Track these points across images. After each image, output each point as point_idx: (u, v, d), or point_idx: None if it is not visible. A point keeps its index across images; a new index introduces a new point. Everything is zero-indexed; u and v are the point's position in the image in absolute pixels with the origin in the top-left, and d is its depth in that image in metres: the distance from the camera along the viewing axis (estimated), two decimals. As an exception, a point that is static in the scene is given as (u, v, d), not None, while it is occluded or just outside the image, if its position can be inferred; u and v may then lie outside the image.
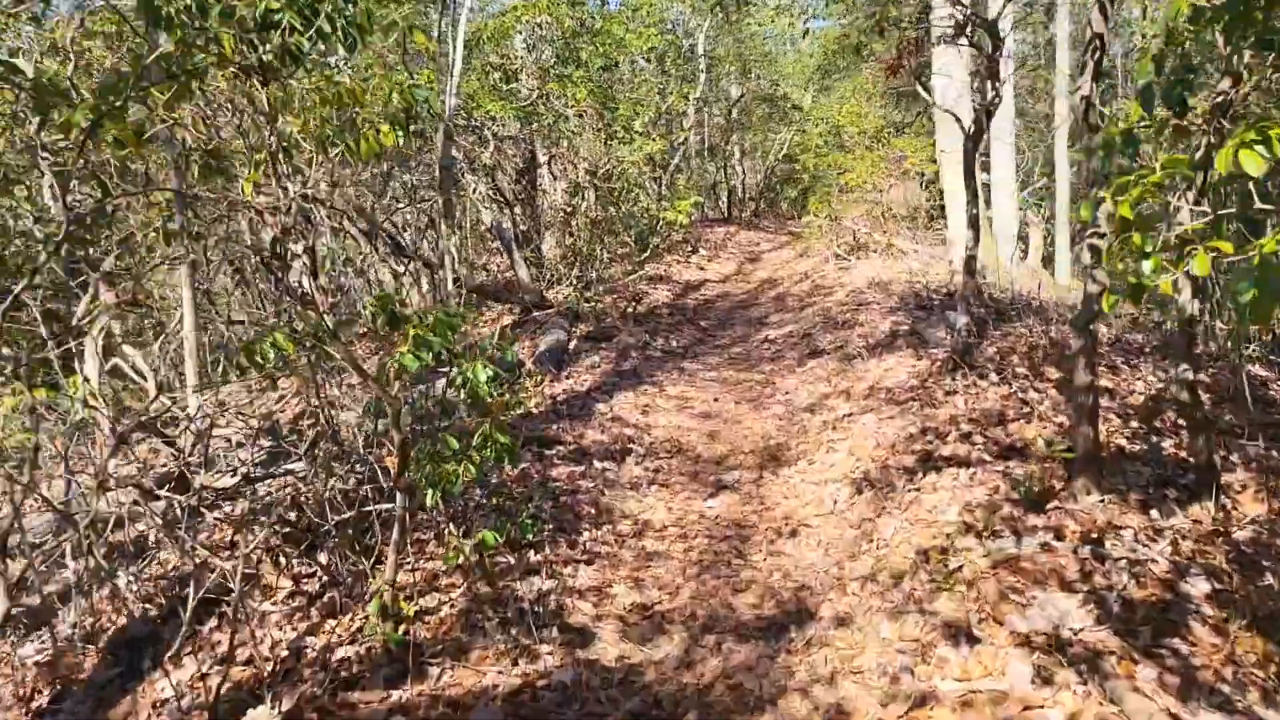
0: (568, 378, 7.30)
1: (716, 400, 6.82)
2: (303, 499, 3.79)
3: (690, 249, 14.98)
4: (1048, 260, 14.23)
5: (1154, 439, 4.46)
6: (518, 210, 13.55)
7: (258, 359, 3.19)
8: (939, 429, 5.03)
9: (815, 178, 28.29)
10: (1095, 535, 3.49)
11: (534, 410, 6.37)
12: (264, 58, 3.01)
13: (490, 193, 10.04)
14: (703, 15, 14.90)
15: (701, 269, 14.06)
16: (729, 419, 6.34)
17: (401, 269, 8.09)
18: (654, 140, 12.26)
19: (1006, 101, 11.88)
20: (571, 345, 8.37)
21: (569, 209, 12.16)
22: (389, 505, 3.73)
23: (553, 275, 11.83)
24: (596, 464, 5.30)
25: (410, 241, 11.24)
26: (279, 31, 3.02)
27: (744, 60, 19.33)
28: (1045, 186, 14.67)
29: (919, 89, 10.33)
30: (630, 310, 9.83)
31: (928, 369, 6.08)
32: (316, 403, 3.83)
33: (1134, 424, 4.71)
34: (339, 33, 3.02)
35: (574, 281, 11.40)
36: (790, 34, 22.26)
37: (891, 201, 12.95)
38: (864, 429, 5.46)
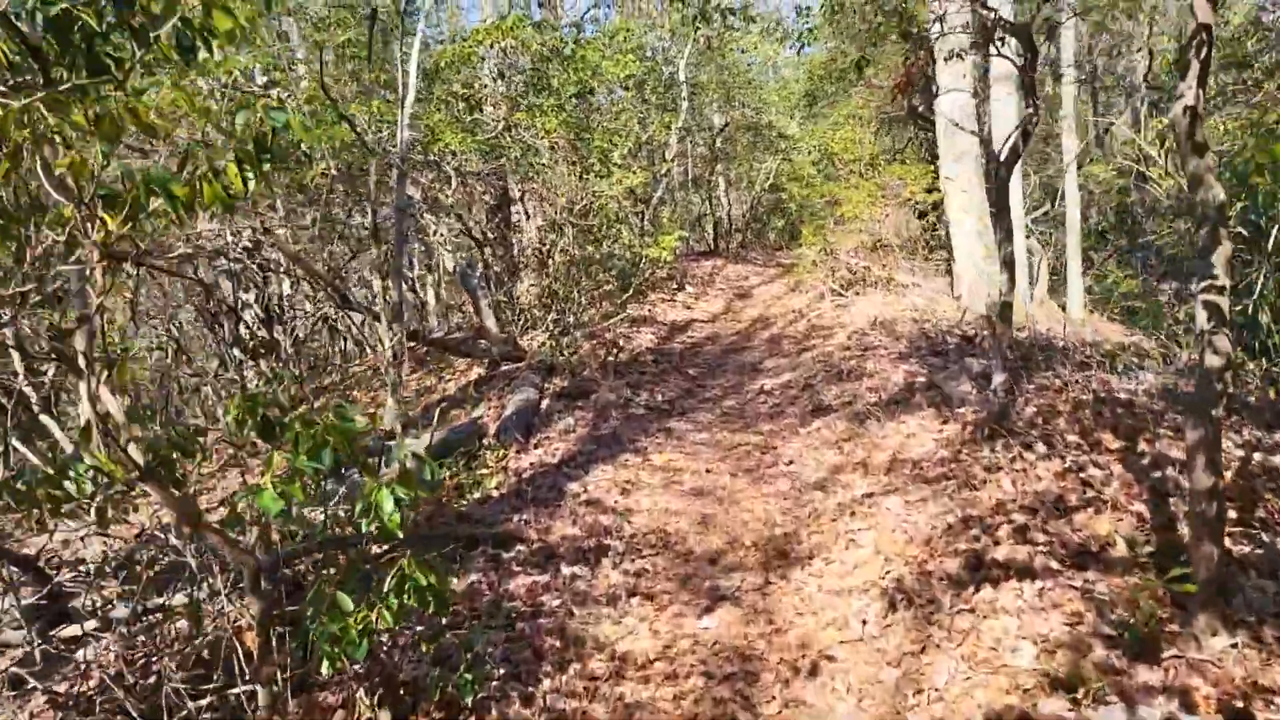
0: (537, 446, 6.34)
1: (709, 471, 5.86)
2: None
3: (676, 286, 14.09)
4: (1053, 291, 13.41)
5: (1266, 536, 3.53)
6: (490, 251, 12.68)
7: (62, 492, 2.24)
8: (985, 519, 4.08)
9: (802, 207, 27.67)
10: (1239, 705, 2.54)
11: (495, 492, 5.40)
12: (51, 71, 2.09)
13: (456, 234, 9.12)
14: (683, 41, 14.09)
15: (688, 308, 13.16)
16: (725, 498, 5.38)
17: (355, 321, 7.13)
18: (634, 173, 11.40)
19: (1010, 120, 11.09)
20: (544, 404, 7.42)
21: (543, 248, 11.27)
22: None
23: (528, 320, 10.91)
24: (565, 569, 4.33)
25: (372, 292, 10.31)
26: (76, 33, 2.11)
27: (727, 88, 18.58)
28: (1047, 213, 13.88)
29: (927, 109, 9.52)
30: (611, 359, 8.89)
31: (958, 435, 5.15)
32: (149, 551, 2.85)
33: (1231, 511, 3.78)
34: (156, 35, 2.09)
35: (550, 326, 10.48)
36: (774, 61, 21.62)
37: (887, 232, 12.11)
38: (890, 516, 4.51)
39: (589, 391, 7.70)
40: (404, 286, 7.37)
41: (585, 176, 9.61)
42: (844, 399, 6.79)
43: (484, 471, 5.73)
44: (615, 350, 9.27)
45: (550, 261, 11.05)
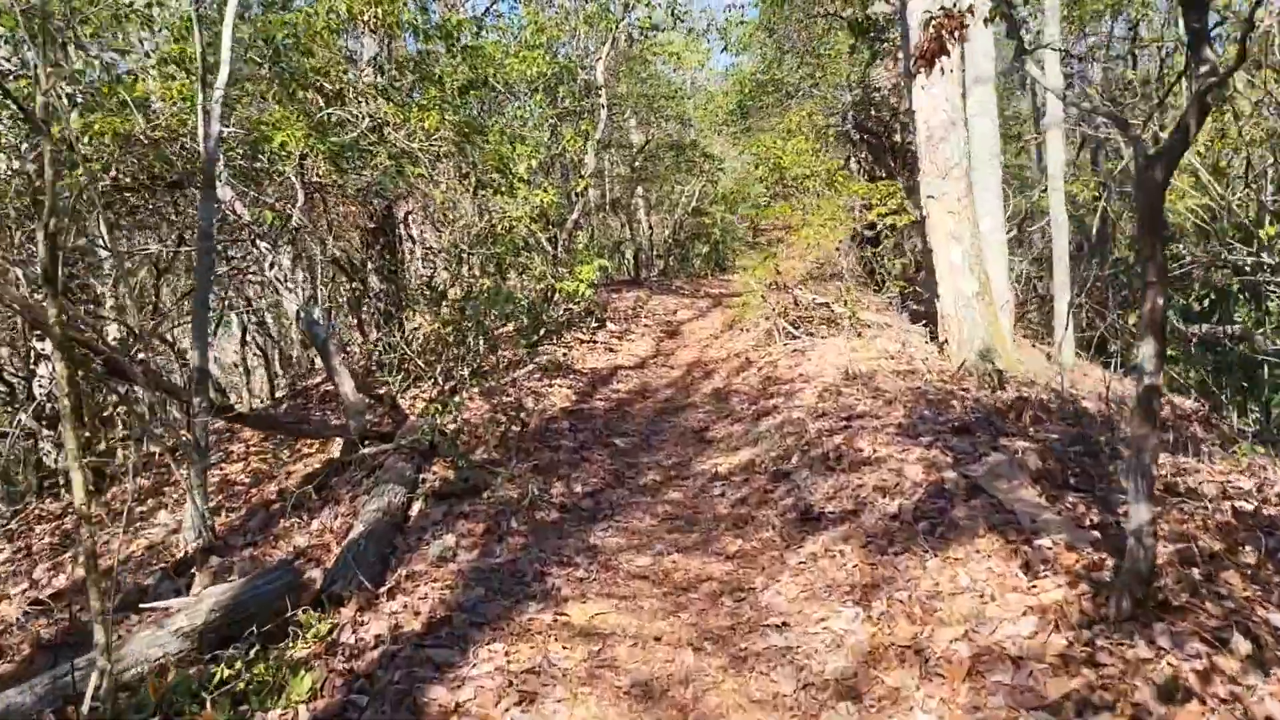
0: (393, 595, 4.14)
1: (659, 640, 3.74)
2: None
3: (595, 323, 12.01)
4: (1026, 330, 11.82)
5: None
6: (358, 286, 10.43)
7: None
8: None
9: (726, 232, 25.99)
10: None
11: (305, 711, 3.20)
12: None
13: (308, 265, 6.89)
14: (602, 34, 12.11)
15: (611, 350, 11.09)
16: (690, 705, 3.28)
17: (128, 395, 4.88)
18: (544, 190, 9.33)
19: (988, 133, 9.42)
20: (414, 512, 5.23)
21: (433, 281, 9.08)
22: None
23: (413, 373, 8.68)
24: None
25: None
26: None
27: (650, 99, 16.70)
28: (1016, 238, 12.32)
29: (874, 121, 7.75)
30: (513, 430, 6.75)
31: (1070, 604, 3.17)
32: None
33: None
34: None
35: (440, 380, 8.28)
36: (698, 72, 19.88)
37: (845, 262, 10.28)
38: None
39: (481, 487, 5.53)
40: (208, 341, 5.10)
41: (480, 192, 7.48)
42: (842, 502, 4.78)
43: (296, 656, 3.51)
44: (519, 417, 7.13)
45: (445, 297, 8.92)
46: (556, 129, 10.67)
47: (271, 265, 6.07)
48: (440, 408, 7.01)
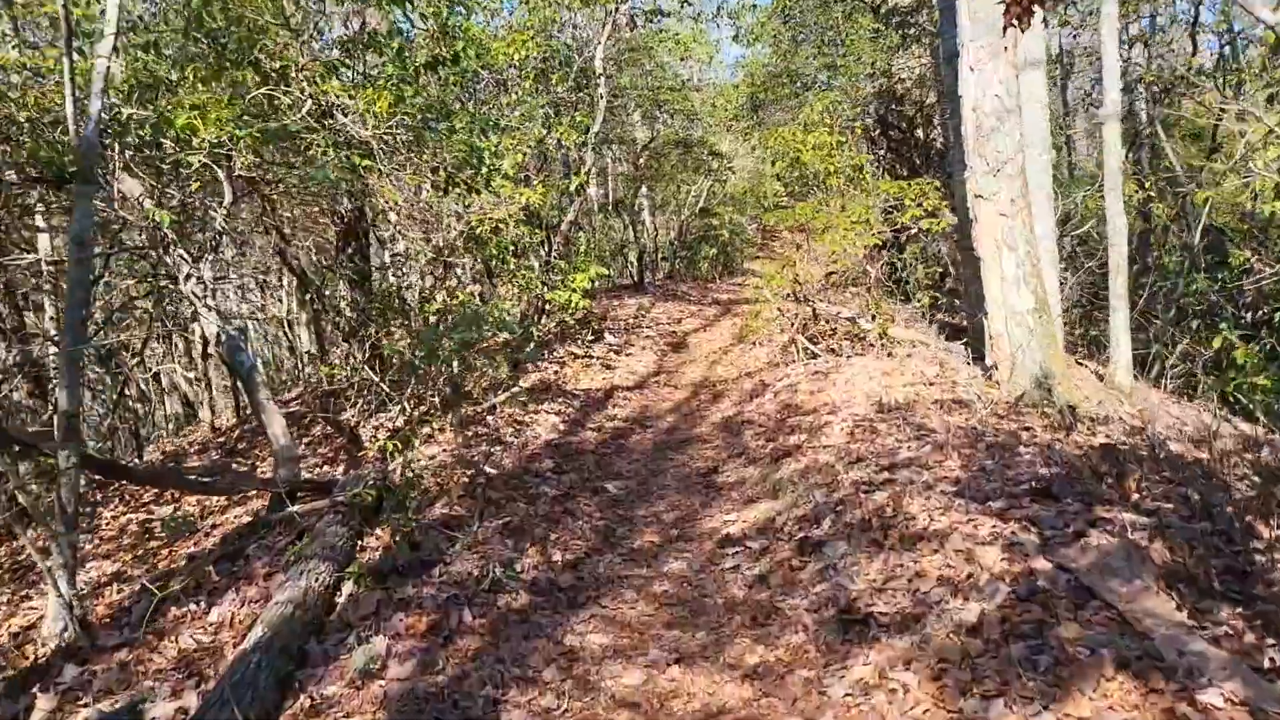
0: (287, 743, 3.01)
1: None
2: None
3: (592, 335, 10.87)
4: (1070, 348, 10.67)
5: None
6: (346, 293, 9.31)
7: None
8: None
9: (734, 233, 24.83)
10: None
11: None
12: None
13: (237, 278, 5.77)
14: (601, 13, 10.96)
15: (608, 366, 9.95)
16: None
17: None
18: (533, 189, 8.21)
19: (1038, 123, 8.27)
20: (342, 596, 4.09)
21: (397, 293, 7.97)
22: None
23: (378, 399, 7.56)
24: None
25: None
26: None
27: (654, 93, 15.56)
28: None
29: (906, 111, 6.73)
30: (482, 480, 5.61)
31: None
32: None
33: None
34: None
35: (407, 408, 7.16)
36: (705, 64, 18.73)
37: (860, 267, 9.11)
38: None
39: (433, 560, 4.39)
40: (78, 380, 3.98)
41: (454, 190, 6.36)
42: (896, 598, 3.63)
43: None
44: (489, 459, 5.98)
45: (421, 309, 7.85)
46: (551, 120, 9.53)
47: (188, 278, 4.94)
48: (399, 446, 5.88)
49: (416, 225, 8.01)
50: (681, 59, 14.75)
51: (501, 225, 7.77)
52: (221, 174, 5.17)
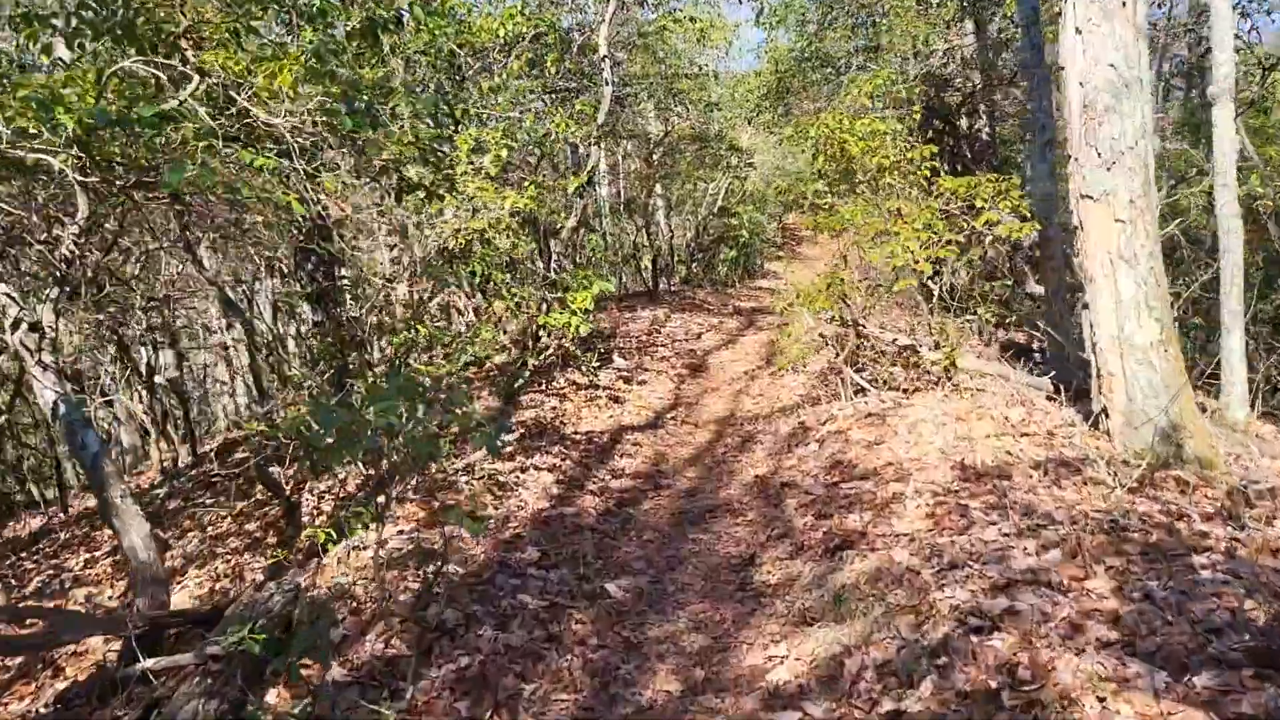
0: None
1: None
2: None
3: (598, 359, 9.38)
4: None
5: None
6: (311, 318, 7.93)
7: None
8: None
9: (754, 233, 23.27)
10: None
11: None
12: None
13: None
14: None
15: (616, 399, 8.46)
16: None
17: None
18: (521, 191, 6.76)
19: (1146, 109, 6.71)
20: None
21: (345, 327, 6.55)
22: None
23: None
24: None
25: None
26: None
27: (668, 82, 14.05)
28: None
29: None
30: (439, 590, 4.13)
31: None
32: None
33: None
34: None
35: (362, 469, 5.71)
36: (723, 51, 17.19)
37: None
38: None
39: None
40: None
41: (402, 196, 4.88)
42: None
43: None
44: (442, 563, 4.50)
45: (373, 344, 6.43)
46: (546, 110, 8.06)
47: (15, 325, 3.50)
48: (335, 536, 4.44)
49: (377, 240, 6.57)
50: (699, 40, 13.22)
51: (487, 235, 6.33)
52: (74, 178, 3.71)
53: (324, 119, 3.69)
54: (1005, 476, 4.85)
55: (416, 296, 6.02)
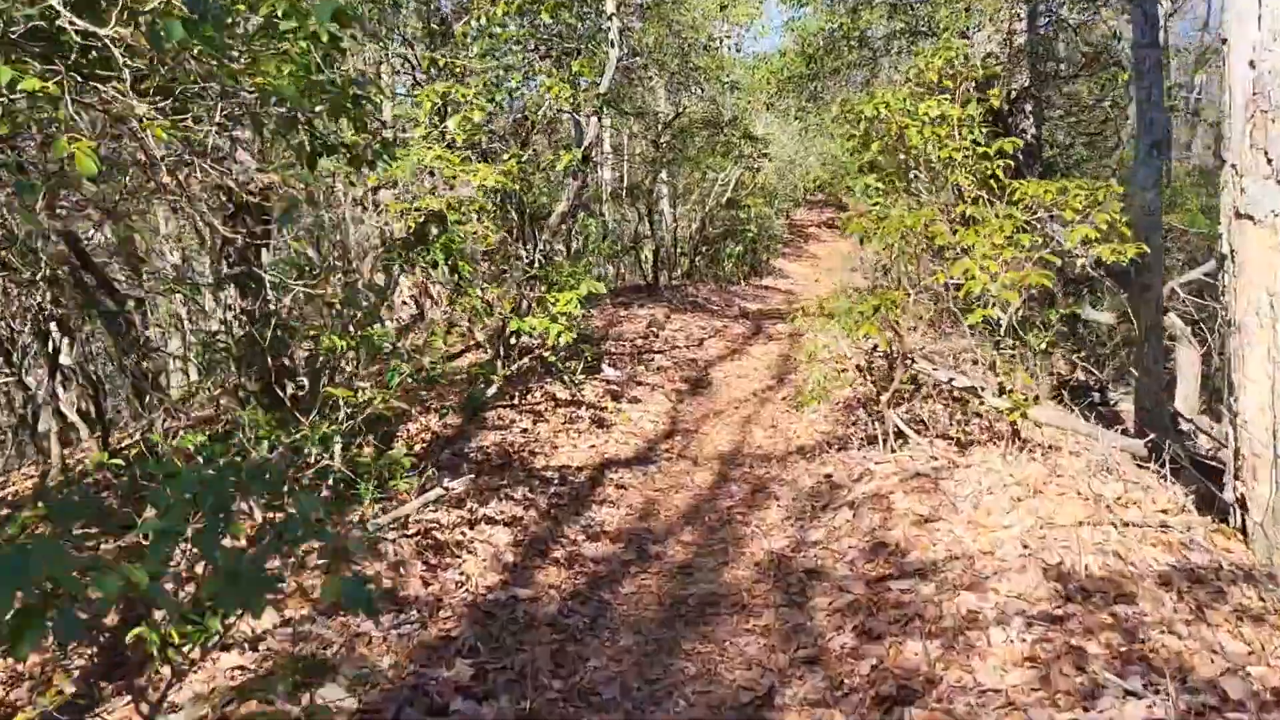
0: None
1: None
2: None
3: (585, 369, 7.99)
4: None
5: None
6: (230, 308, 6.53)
7: None
8: None
9: (762, 229, 21.88)
10: None
11: None
12: None
13: None
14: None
15: (601, 424, 7.09)
16: None
17: None
18: (494, 166, 5.37)
19: None
20: None
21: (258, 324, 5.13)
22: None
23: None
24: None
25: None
26: None
27: (683, 56, 12.62)
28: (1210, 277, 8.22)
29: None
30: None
31: None
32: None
33: None
34: None
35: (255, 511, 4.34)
36: (746, 29, 15.72)
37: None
38: None
39: None
40: None
41: (313, 160, 3.49)
42: None
43: None
44: (330, 705, 3.13)
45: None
46: (534, 68, 6.65)
47: None
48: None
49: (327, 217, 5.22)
50: (721, 10, 11.78)
51: (451, 218, 4.95)
52: None
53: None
54: (1125, 598, 3.50)
55: (344, 292, 4.62)
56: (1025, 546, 4.04)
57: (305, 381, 4.85)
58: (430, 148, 4.93)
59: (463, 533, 4.64)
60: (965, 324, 4.90)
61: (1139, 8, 5.30)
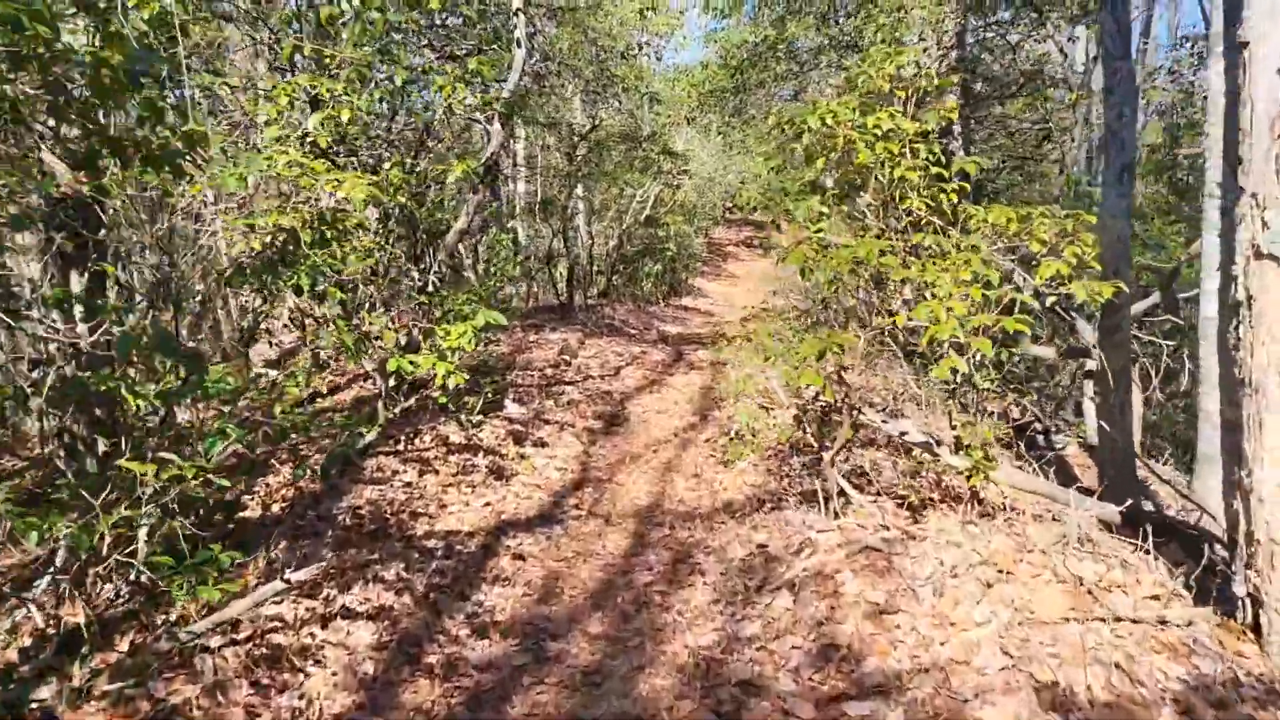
0: None
1: None
2: None
3: (484, 404, 7.05)
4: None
5: None
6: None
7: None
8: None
9: (681, 247, 21.26)
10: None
11: None
12: None
13: None
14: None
15: (499, 474, 6.16)
16: None
17: None
18: (384, 173, 4.45)
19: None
20: None
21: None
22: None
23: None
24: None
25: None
26: None
27: (599, 65, 11.83)
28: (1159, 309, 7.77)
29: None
30: None
31: None
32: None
33: None
34: None
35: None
36: (666, 39, 15.02)
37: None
38: None
39: None
40: None
41: (95, 163, 2.53)
42: None
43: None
44: None
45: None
46: (430, 67, 5.72)
47: None
48: None
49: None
50: (640, 18, 11.03)
51: (308, 236, 3.99)
52: None
53: None
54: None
55: (149, 332, 3.63)
56: (1007, 654, 3.30)
57: (103, 446, 3.82)
58: (284, 151, 3.97)
59: (312, 634, 3.68)
60: (931, 375, 4.16)
61: (1110, 15, 4.70)
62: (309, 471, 4.30)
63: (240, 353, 7.87)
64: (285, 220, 3.80)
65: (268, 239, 3.81)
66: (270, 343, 8.86)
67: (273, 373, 9.46)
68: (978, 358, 4.22)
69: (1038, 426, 7.31)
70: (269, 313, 7.00)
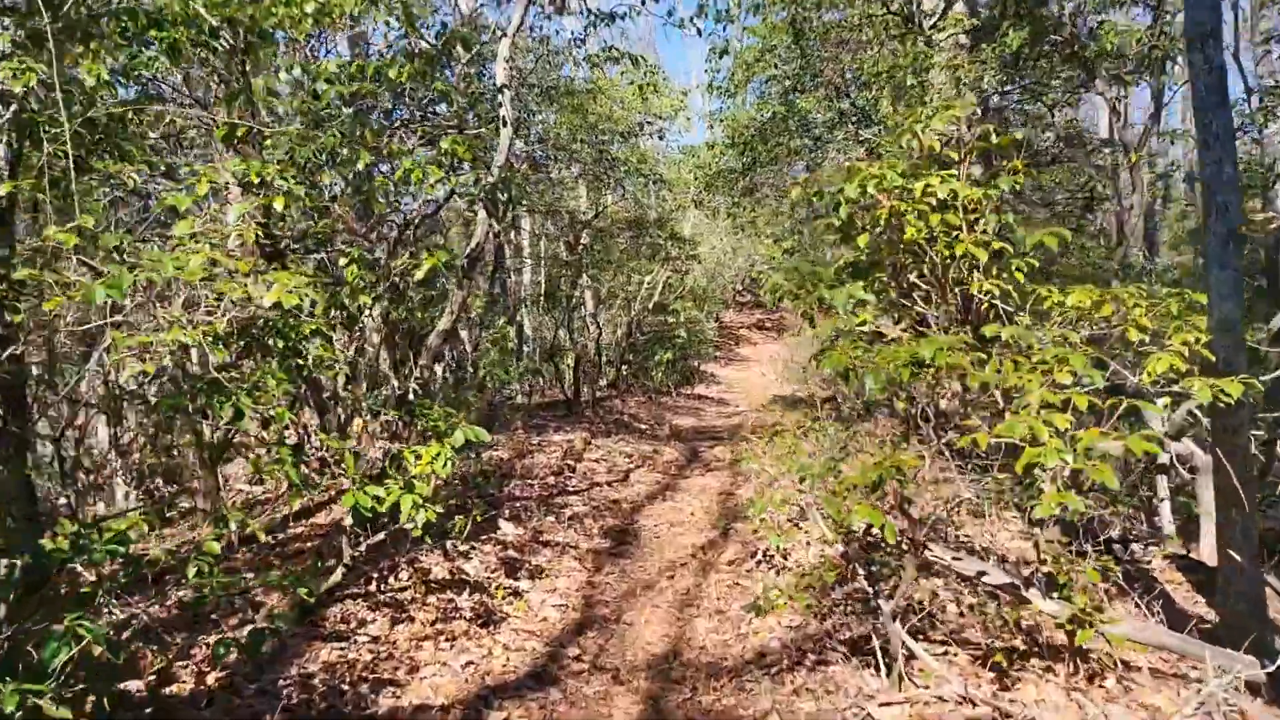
0: None
1: None
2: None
3: (473, 524, 6.09)
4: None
5: None
6: None
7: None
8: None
9: (693, 333, 20.55)
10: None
11: None
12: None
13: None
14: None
15: (484, 620, 5.18)
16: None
17: None
18: (275, 273, 3.63)
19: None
20: None
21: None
22: None
23: None
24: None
25: None
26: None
27: (600, 147, 11.24)
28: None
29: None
30: None
31: None
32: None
33: None
34: None
35: None
36: (670, 120, 14.50)
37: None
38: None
39: None
40: None
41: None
42: None
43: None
44: None
45: None
46: (393, 149, 4.98)
47: None
48: None
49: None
50: (644, 98, 10.45)
51: (222, 354, 3.15)
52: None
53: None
54: None
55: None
56: None
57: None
58: (198, 249, 3.18)
59: None
60: (1033, 514, 3.23)
61: (1199, 53, 3.91)
62: (232, 647, 3.37)
63: (210, 473, 7.00)
64: (188, 336, 2.97)
65: (165, 361, 2.98)
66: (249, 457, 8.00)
67: (258, 489, 8.55)
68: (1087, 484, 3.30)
69: (1113, 534, 6.30)
70: (238, 427, 6.15)
